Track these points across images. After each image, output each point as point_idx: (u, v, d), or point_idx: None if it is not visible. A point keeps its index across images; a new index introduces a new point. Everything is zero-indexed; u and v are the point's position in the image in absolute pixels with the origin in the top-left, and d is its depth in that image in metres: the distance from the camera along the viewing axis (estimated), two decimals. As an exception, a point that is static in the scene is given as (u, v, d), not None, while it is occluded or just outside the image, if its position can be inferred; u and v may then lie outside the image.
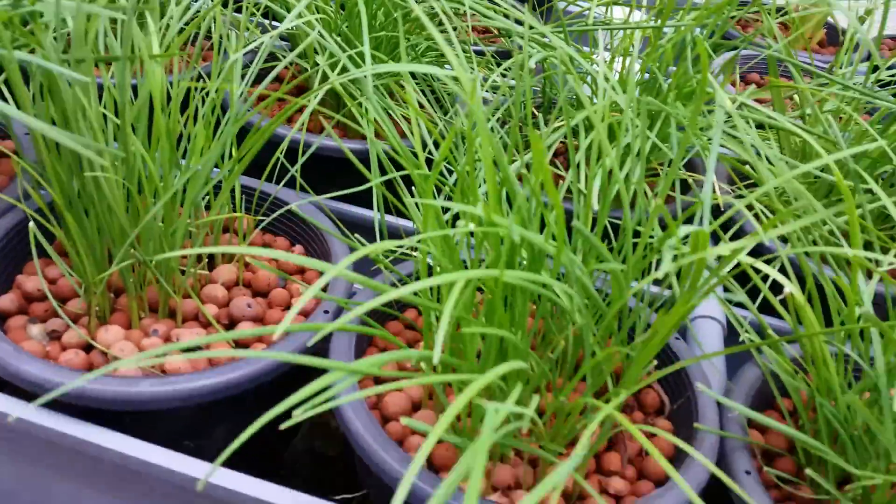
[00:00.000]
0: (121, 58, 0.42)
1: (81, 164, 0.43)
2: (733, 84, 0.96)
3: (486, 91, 0.63)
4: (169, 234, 0.47)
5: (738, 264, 0.35)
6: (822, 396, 0.41)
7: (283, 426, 0.27)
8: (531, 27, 0.54)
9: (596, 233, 0.42)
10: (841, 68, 0.78)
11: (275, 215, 0.56)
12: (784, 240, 0.59)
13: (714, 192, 0.50)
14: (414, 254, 0.51)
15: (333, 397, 0.28)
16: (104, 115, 0.46)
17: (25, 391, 0.41)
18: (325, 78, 0.65)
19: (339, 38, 0.64)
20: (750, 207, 0.59)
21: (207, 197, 0.52)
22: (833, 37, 1.16)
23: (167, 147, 0.46)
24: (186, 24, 0.50)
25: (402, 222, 0.61)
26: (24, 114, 0.36)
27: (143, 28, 0.47)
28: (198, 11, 0.52)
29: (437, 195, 0.47)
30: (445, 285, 0.38)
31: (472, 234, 0.41)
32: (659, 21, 0.58)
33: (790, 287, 0.37)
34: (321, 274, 0.53)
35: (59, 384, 0.39)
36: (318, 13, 0.62)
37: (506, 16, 0.57)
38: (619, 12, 0.89)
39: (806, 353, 0.44)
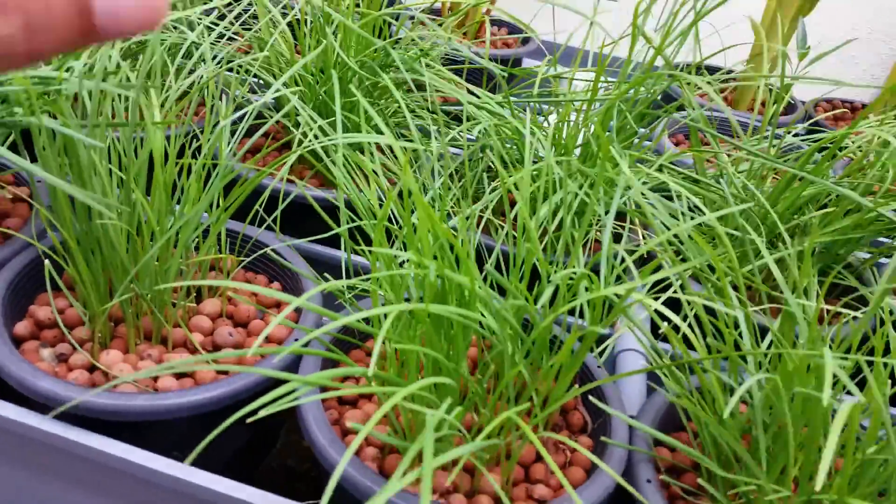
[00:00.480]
0: (128, 124, 0.51)
1: (90, 211, 0.51)
2: (677, 143, 1.06)
3: (452, 145, 0.72)
4: (163, 271, 0.55)
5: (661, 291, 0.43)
6: (710, 417, 0.49)
7: (249, 420, 0.35)
8: (479, 96, 0.64)
9: (525, 272, 0.50)
10: (778, 127, 0.88)
11: (255, 256, 0.64)
12: (698, 280, 0.67)
13: (645, 239, 0.58)
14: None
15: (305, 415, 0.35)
16: (110, 169, 0.55)
17: (35, 405, 0.48)
18: (306, 134, 0.74)
19: (319, 99, 0.73)
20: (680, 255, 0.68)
21: (197, 239, 0.60)
22: (788, 106, 1.27)
23: (164, 197, 0.54)
24: (188, 89, 0.59)
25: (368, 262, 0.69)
26: (45, 171, 0.44)
27: (146, 93, 0.56)
28: (194, 82, 0.61)
29: (390, 241, 0.55)
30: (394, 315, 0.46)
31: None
32: (594, 92, 0.67)
33: (675, 320, 0.46)
34: (296, 310, 0.61)
35: (69, 398, 0.47)
36: (300, 83, 0.71)
37: (471, 91, 0.66)
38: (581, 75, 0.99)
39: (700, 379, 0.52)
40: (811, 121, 1.17)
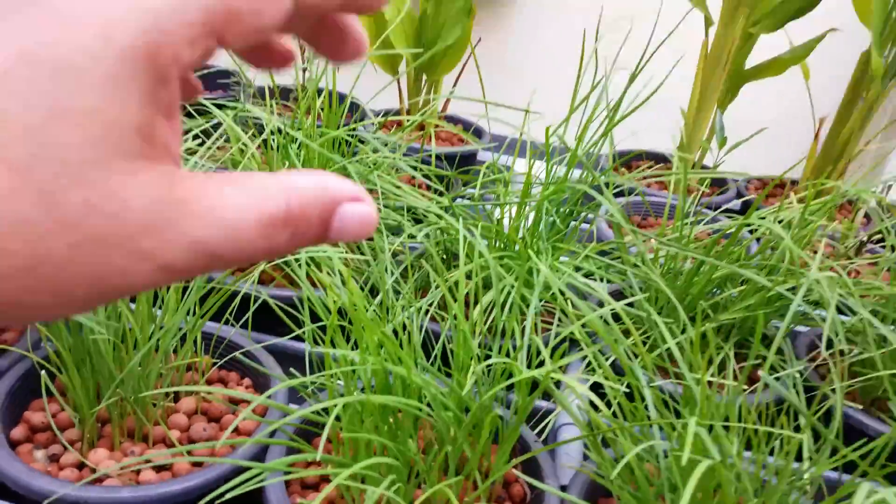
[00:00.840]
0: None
1: (81, 324, 0.59)
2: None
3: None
4: (145, 375, 0.62)
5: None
6: (624, 486, 0.56)
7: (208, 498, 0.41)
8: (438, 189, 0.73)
9: (466, 354, 0.58)
10: (715, 208, 0.98)
11: (227, 358, 0.71)
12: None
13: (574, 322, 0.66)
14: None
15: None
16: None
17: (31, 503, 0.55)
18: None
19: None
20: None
21: (175, 343, 0.68)
22: (720, 182, 1.38)
23: (146, 308, 0.62)
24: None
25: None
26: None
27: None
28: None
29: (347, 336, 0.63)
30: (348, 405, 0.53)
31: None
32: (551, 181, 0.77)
33: (592, 397, 0.53)
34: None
35: (61, 493, 0.53)
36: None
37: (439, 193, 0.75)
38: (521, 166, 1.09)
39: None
40: (743, 199, 1.28)
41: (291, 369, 0.67)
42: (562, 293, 0.67)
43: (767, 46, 1.32)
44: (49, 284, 0.17)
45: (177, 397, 0.68)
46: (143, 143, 0.18)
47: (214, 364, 0.72)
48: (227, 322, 0.74)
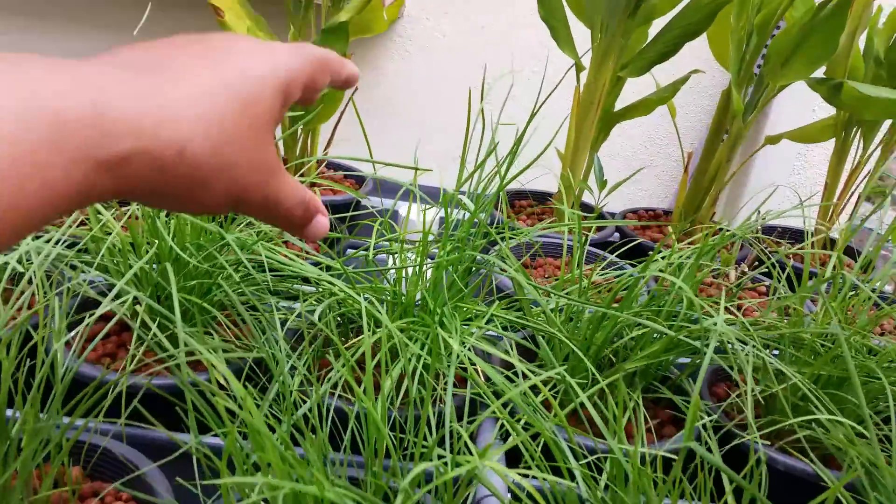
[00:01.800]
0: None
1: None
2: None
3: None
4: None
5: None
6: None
7: None
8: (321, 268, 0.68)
9: (378, 446, 0.53)
10: (594, 245, 0.98)
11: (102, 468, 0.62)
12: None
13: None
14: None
15: None
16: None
17: None
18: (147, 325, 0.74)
19: (159, 284, 0.74)
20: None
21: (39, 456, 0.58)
22: (600, 216, 1.41)
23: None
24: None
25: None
26: None
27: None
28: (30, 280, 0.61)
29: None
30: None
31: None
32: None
33: (515, 477, 0.50)
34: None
35: None
36: (138, 274, 0.71)
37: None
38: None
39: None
40: (626, 238, 1.31)
41: (179, 479, 0.59)
42: (471, 361, 0.63)
43: (636, 89, 1.37)
44: (231, 185, 0.32)
45: (43, 521, 0.58)
46: (274, 126, 0.34)
47: (86, 474, 0.63)
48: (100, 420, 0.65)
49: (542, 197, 1.42)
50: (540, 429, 0.51)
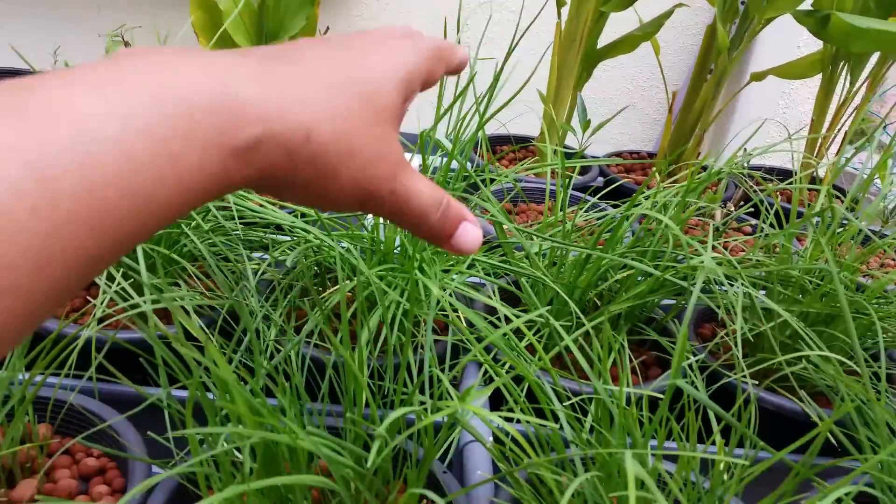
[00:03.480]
0: None
1: None
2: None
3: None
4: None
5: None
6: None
7: None
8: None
9: (357, 395, 0.51)
10: (578, 188, 0.95)
11: (70, 422, 0.60)
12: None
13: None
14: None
15: None
16: None
17: None
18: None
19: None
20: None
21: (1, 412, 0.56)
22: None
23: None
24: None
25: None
26: None
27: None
28: None
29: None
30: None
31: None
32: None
33: (499, 421, 0.48)
34: (121, 472, 0.58)
35: None
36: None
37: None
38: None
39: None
40: (607, 178, 1.28)
41: (150, 433, 0.57)
42: (452, 307, 0.61)
43: (617, 30, 1.33)
44: (358, 176, 0.32)
45: (11, 480, 0.56)
46: (398, 122, 0.34)
47: (54, 429, 0.60)
48: (67, 376, 0.63)
49: (524, 141, 1.39)
50: (523, 372, 0.49)
